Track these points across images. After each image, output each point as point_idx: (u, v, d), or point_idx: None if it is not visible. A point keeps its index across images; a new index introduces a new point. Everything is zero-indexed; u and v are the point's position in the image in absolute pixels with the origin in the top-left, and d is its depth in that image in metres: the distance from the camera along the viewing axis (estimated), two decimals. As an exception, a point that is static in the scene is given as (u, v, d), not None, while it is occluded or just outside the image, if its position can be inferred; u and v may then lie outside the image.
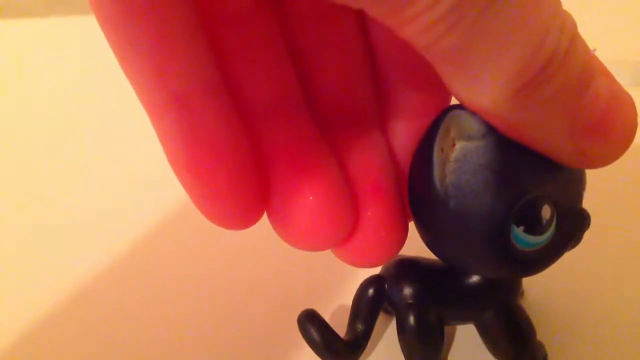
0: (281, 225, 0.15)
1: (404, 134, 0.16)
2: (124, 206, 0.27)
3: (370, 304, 0.18)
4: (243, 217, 0.14)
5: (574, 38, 0.11)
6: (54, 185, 0.30)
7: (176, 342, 0.20)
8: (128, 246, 0.25)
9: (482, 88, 0.11)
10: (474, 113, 0.13)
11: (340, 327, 0.18)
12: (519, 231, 0.13)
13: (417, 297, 0.18)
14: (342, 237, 0.15)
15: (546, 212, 0.13)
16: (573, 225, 0.14)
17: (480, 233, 0.13)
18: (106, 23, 0.11)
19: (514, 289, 0.18)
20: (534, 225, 0.13)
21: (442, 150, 0.13)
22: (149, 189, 0.28)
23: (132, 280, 0.23)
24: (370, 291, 0.18)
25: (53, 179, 0.31)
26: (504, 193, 0.13)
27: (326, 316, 0.18)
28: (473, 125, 0.13)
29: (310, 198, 0.14)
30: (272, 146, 0.14)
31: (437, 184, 0.13)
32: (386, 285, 0.18)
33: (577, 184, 0.14)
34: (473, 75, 0.11)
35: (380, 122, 0.16)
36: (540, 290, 0.20)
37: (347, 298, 0.19)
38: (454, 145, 0.13)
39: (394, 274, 0.18)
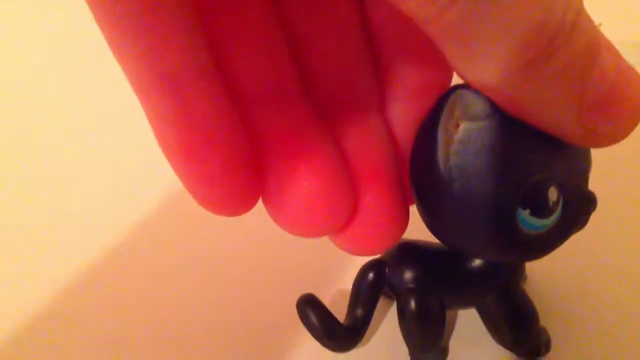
0: (276, 211, 0.14)
1: (403, 118, 0.15)
2: (119, 199, 0.27)
3: (370, 289, 0.18)
4: (237, 203, 0.14)
5: (580, 13, 0.11)
6: (46, 180, 0.30)
7: (176, 332, 0.20)
8: (123, 237, 0.25)
9: (486, 64, 0.11)
10: (478, 92, 0.12)
11: (340, 312, 0.18)
12: (525, 214, 0.13)
13: (418, 282, 0.17)
14: (339, 222, 0.14)
15: (552, 194, 0.13)
16: (579, 207, 0.14)
17: (485, 216, 0.13)
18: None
19: (517, 273, 0.17)
20: (540, 208, 0.13)
21: (446, 131, 0.13)
22: (143, 183, 0.28)
23: (127, 271, 0.23)
24: (371, 275, 0.18)
25: (45, 173, 0.30)
26: (509, 175, 0.13)
27: (325, 301, 0.18)
28: (477, 105, 0.12)
29: (306, 183, 0.14)
30: (268, 131, 0.14)
31: (441, 165, 0.13)
32: (387, 270, 0.18)
33: (583, 166, 0.14)
34: (476, 50, 0.11)
35: (380, 106, 0.15)
36: (543, 275, 0.20)
37: (347, 282, 0.19)
38: (458, 125, 0.13)
39: (395, 258, 0.18)
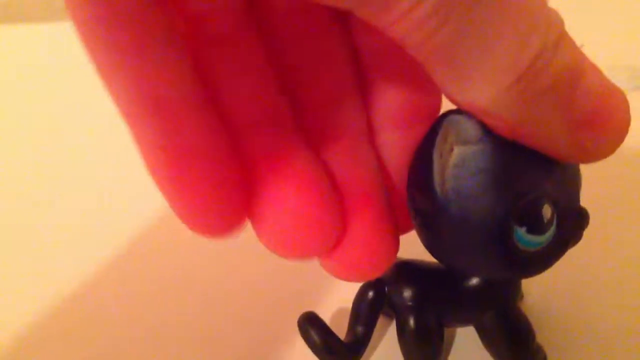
0: (264, 233, 0.14)
1: (393, 146, 0.16)
2: (120, 205, 0.27)
3: (370, 307, 0.18)
4: (224, 227, 0.14)
5: (562, 33, 0.11)
6: (51, 186, 0.30)
7: (174, 341, 0.20)
8: (123, 245, 0.25)
9: (475, 85, 0.11)
10: (470, 117, 0.13)
11: (340, 329, 0.19)
12: (521, 231, 0.13)
13: (417, 300, 0.18)
14: (327, 244, 0.15)
15: (547, 211, 0.13)
16: (573, 223, 0.14)
17: (483, 236, 0.13)
18: (82, 26, 0.11)
19: (514, 291, 0.18)
20: (535, 225, 0.13)
21: (440, 155, 0.13)
22: (143, 189, 0.28)
23: (126, 279, 0.23)
24: (371, 294, 0.18)
25: (51, 180, 0.31)
26: (504, 195, 0.13)
27: (326, 318, 0.18)
28: (470, 130, 0.13)
29: (293, 203, 0.14)
30: (256, 157, 0.14)
31: (438, 189, 0.13)
32: (386, 288, 0.18)
33: (573, 183, 0.15)
34: (464, 72, 0.11)
35: (369, 135, 0.16)
36: (539, 293, 0.20)
37: (346, 300, 0.19)
38: (452, 150, 0.13)
39: (394, 276, 0.18)
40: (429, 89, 0.15)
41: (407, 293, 0.18)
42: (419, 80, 0.15)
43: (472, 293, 0.17)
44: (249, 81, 0.14)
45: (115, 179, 0.30)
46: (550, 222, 0.14)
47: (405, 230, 0.16)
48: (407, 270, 0.18)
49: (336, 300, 0.21)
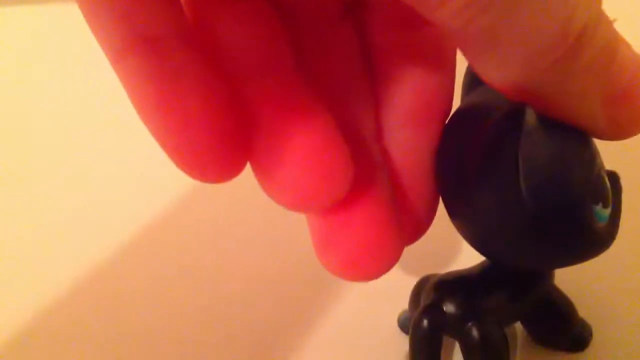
0: (266, 178, 0.13)
1: (403, 144, 0.15)
2: (123, 200, 0.27)
3: (428, 340, 0.17)
4: (221, 166, 0.13)
5: (600, 9, 0.12)
6: (49, 180, 0.30)
7: (177, 338, 0.21)
8: (126, 240, 0.25)
9: (515, 64, 0.11)
10: (531, 108, 0.13)
11: (346, 325, 0.19)
12: (598, 209, 0.14)
13: (470, 311, 0.17)
14: (337, 190, 0.13)
15: (606, 181, 0.14)
16: (614, 187, 0.15)
17: (568, 226, 0.13)
18: None
19: (551, 274, 0.18)
20: (606, 198, 0.14)
21: (515, 154, 0.13)
22: (147, 183, 0.28)
23: (130, 276, 0.23)
24: (425, 322, 0.17)
25: (49, 173, 0.30)
26: (582, 178, 0.13)
27: (330, 318, 0.19)
28: (535, 120, 0.13)
29: (299, 141, 0.13)
30: (261, 102, 0.13)
31: (521, 185, 0.13)
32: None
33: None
34: (505, 52, 0.11)
35: (377, 132, 0.15)
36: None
37: (349, 301, 0.20)
38: (536, 145, 0.13)
39: (437, 296, 0.18)
40: (441, 87, 0.15)
41: (456, 308, 0.17)
42: (431, 78, 0.15)
43: (518, 285, 0.17)
44: (252, 28, 0.13)
45: (114, 175, 0.30)
46: (609, 191, 0.14)
47: (412, 239, 0.16)
48: (447, 286, 0.18)
49: (340, 300, 0.21)
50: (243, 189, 0.21)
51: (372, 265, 0.14)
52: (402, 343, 0.18)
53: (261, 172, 0.13)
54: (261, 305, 0.22)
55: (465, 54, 0.12)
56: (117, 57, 0.12)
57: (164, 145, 0.12)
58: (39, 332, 0.21)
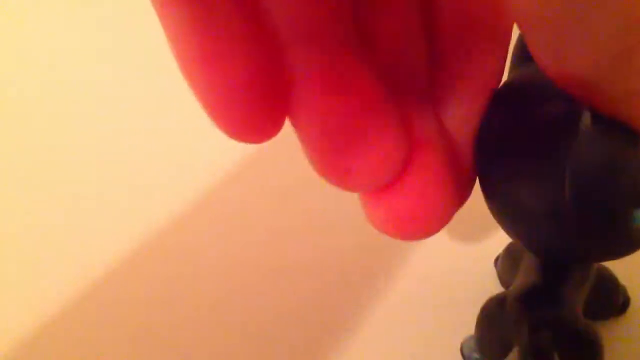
0: (309, 143, 0.13)
1: (461, 120, 0.15)
2: (126, 205, 0.27)
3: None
4: (259, 123, 0.12)
5: None
6: (50, 181, 0.29)
7: (180, 343, 0.21)
8: (129, 245, 0.25)
9: (579, 55, 0.11)
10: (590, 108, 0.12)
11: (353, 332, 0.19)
12: (637, 213, 0.13)
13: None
14: (390, 168, 0.13)
15: None
16: None
17: (607, 232, 0.13)
18: None
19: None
20: None
21: (567, 151, 0.13)
22: (150, 189, 0.28)
23: (132, 280, 0.23)
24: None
25: (50, 174, 0.30)
26: (625, 184, 0.13)
27: (338, 321, 0.20)
28: (591, 127, 0.13)
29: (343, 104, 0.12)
30: (307, 66, 0.12)
31: (556, 190, 0.13)
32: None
33: None
34: (570, 41, 0.11)
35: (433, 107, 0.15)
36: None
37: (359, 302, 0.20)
38: (580, 145, 0.13)
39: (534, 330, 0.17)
40: (496, 58, 0.15)
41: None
42: (488, 46, 0.14)
43: (579, 275, 0.17)
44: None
45: (121, 177, 0.29)
46: None
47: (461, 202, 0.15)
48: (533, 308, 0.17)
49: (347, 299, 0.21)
50: (252, 189, 0.21)
51: (427, 219, 0.13)
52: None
53: (303, 136, 0.13)
54: (267, 307, 0.22)
55: (525, 35, 0.11)
56: (163, 4, 0.11)
57: (204, 99, 0.12)
58: (41, 332, 0.21)
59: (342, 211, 0.24)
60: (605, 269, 0.19)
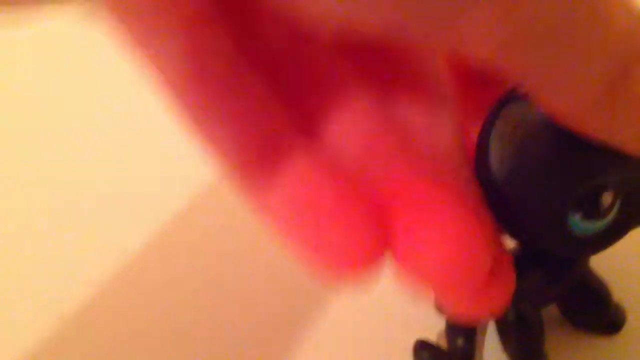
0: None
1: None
2: (126, 205, 0.27)
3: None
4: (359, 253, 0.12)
5: None
6: (51, 183, 0.29)
7: (181, 343, 0.21)
8: (130, 244, 0.25)
9: (561, 93, 0.11)
10: (532, 102, 0.13)
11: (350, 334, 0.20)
12: (576, 218, 0.14)
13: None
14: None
15: (607, 198, 0.14)
16: (636, 208, 0.15)
17: (538, 220, 0.14)
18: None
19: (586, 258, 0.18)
20: (592, 212, 0.14)
21: (501, 137, 0.14)
22: (150, 189, 0.28)
23: (132, 280, 0.24)
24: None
25: (53, 179, 0.30)
26: (563, 181, 0.13)
27: (335, 324, 0.20)
28: (534, 113, 0.13)
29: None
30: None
31: (494, 169, 0.14)
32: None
33: None
34: (551, 80, 0.11)
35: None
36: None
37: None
38: (514, 133, 0.14)
39: None
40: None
41: None
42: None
43: (553, 268, 0.18)
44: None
45: (121, 177, 0.29)
46: (609, 208, 0.14)
47: None
48: None
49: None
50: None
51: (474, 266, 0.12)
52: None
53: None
54: (271, 308, 0.22)
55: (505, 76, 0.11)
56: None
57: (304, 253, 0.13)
58: (41, 332, 0.21)
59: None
60: (601, 283, 0.19)
